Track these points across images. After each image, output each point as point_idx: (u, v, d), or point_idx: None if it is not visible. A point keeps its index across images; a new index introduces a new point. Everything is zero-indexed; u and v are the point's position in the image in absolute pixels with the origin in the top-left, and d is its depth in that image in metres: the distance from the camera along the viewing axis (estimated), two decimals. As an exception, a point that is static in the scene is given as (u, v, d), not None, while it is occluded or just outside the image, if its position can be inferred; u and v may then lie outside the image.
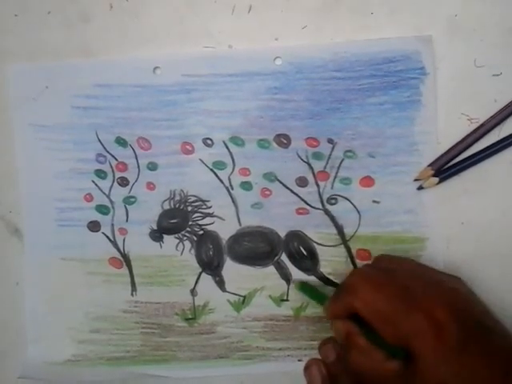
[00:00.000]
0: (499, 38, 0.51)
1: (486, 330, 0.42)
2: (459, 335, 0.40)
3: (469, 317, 0.42)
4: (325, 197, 0.52)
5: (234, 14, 0.52)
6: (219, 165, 0.52)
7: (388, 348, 0.43)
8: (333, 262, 0.53)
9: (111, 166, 0.53)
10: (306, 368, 0.52)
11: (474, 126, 0.51)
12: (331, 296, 0.48)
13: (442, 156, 0.51)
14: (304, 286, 0.52)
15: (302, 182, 0.52)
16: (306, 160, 0.52)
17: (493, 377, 0.40)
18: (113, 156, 0.53)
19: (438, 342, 0.40)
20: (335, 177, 0.52)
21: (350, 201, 0.52)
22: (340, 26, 0.51)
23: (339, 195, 0.52)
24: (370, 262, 0.52)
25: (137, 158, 0.52)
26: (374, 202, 0.52)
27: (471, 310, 0.43)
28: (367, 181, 0.52)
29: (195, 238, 0.53)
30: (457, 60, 0.51)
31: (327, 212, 0.52)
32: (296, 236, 0.52)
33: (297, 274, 0.53)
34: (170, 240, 0.53)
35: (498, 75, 0.51)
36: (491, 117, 0.51)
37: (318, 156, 0.52)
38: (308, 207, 0.52)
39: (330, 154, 0.52)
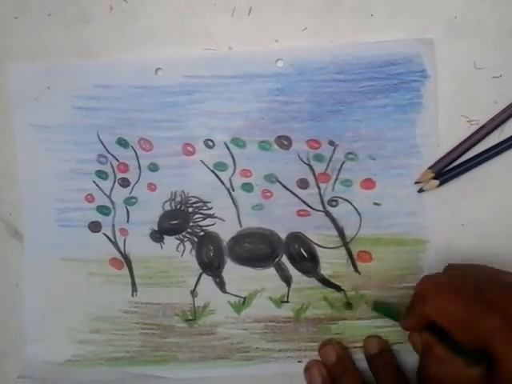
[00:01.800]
0: (499, 40, 0.51)
1: None
2: None
3: None
4: (326, 199, 0.52)
5: (234, 16, 0.52)
6: (220, 166, 0.52)
7: (468, 354, 0.42)
8: (333, 264, 0.53)
9: (112, 167, 0.53)
10: (307, 369, 0.52)
11: (474, 128, 0.51)
12: (405, 310, 0.47)
13: (443, 158, 0.51)
14: (378, 306, 0.52)
15: (302, 183, 0.52)
16: (307, 162, 0.52)
17: None
18: (114, 157, 0.53)
19: None
20: (336, 179, 0.52)
21: (350, 203, 0.52)
22: (340, 28, 0.51)
23: (340, 197, 0.52)
24: (371, 263, 0.52)
25: (138, 159, 0.52)
26: (375, 204, 0.52)
27: None
28: (368, 183, 0.52)
29: (196, 239, 0.53)
30: (457, 62, 0.51)
31: (328, 214, 0.52)
32: (296, 238, 0.52)
33: (297, 275, 0.53)
34: (170, 241, 0.53)
35: (497, 77, 0.51)
36: (491, 119, 0.51)
37: (318, 158, 0.52)
38: (309, 209, 0.52)
39: (331, 156, 0.52)
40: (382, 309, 0.51)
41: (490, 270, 0.46)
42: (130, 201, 0.53)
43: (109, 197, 0.53)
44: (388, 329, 0.53)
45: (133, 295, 0.54)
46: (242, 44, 0.52)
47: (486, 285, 0.43)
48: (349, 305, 0.53)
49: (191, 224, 0.53)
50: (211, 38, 0.52)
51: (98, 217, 0.53)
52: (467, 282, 0.44)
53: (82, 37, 0.52)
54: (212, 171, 0.52)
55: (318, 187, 0.52)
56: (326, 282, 0.53)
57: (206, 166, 0.52)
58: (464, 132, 0.51)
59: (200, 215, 0.53)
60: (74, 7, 0.52)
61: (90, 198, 0.53)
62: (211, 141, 0.52)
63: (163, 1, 0.52)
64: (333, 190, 0.52)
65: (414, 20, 0.51)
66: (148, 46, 0.52)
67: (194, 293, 0.53)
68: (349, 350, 0.53)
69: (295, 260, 0.53)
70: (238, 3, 0.51)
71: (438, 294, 0.44)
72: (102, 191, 0.53)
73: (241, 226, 0.53)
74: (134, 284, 0.54)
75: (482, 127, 0.51)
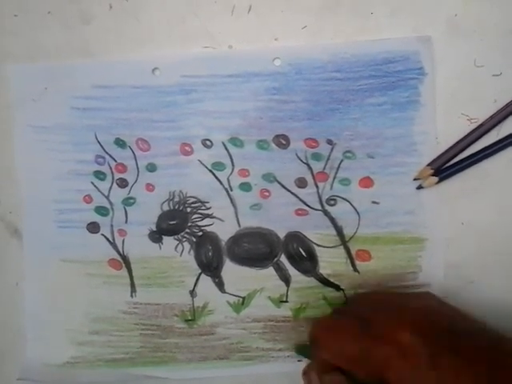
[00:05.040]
0: (499, 38, 0.51)
1: (458, 334, 0.41)
2: (426, 351, 0.39)
3: (435, 329, 0.41)
4: (324, 198, 0.52)
5: (234, 15, 0.52)
6: (218, 166, 0.52)
7: None
8: (332, 263, 0.52)
9: (110, 168, 0.53)
10: (305, 373, 0.52)
11: (474, 125, 0.51)
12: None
13: (442, 155, 0.51)
14: (300, 348, 0.52)
15: (301, 182, 0.52)
16: (305, 161, 0.52)
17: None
18: (112, 157, 0.52)
19: (408, 365, 0.39)
20: (334, 177, 0.52)
21: (349, 202, 0.52)
22: (340, 27, 0.51)
23: (338, 196, 0.52)
24: (370, 262, 0.52)
25: (136, 159, 0.52)
26: (374, 202, 0.52)
27: (438, 321, 0.42)
28: (366, 181, 0.52)
29: (194, 240, 0.53)
30: (457, 60, 0.51)
31: (326, 213, 0.52)
32: (295, 237, 0.52)
33: (296, 275, 0.53)
34: (169, 241, 0.53)
35: (497, 75, 0.51)
36: (490, 117, 0.51)
37: (317, 157, 0.52)
38: (307, 208, 0.52)
39: (329, 155, 0.51)
40: (303, 350, 0.52)
41: (382, 298, 0.47)
42: (128, 201, 0.53)
43: (107, 197, 0.53)
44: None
45: (132, 296, 0.53)
46: (242, 42, 0.52)
47: (373, 315, 0.43)
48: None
49: (190, 224, 0.53)
50: (211, 37, 0.52)
51: (97, 218, 0.53)
52: (354, 317, 0.44)
53: (82, 36, 0.52)
54: (210, 171, 0.52)
55: (317, 186, 0.52)
56: (325, 282, 0.52)
57: (204, 165, 0.52)
58: (464, 130, 0.51)
59: (198, 215, 0.53)
60: (74, 6, 0.52)
61: (88, 199, 0.53)
62: (209, 140, 0.52)
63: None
64: (331, 188, 0.52)
65: (414, 18, 0.51)
66: (148, 45, 0.52)
67: (193, 293, 0.53)
68: None
69: (294, 259, 0.52)
70: (237, 1, 0.51)
71: (325, 335, 0.45)
72: (100, 192, 0.53)
73: (239, 225, 0.53)
74: (132, 285, 0.53)
75: (481, 125, 0.51)
